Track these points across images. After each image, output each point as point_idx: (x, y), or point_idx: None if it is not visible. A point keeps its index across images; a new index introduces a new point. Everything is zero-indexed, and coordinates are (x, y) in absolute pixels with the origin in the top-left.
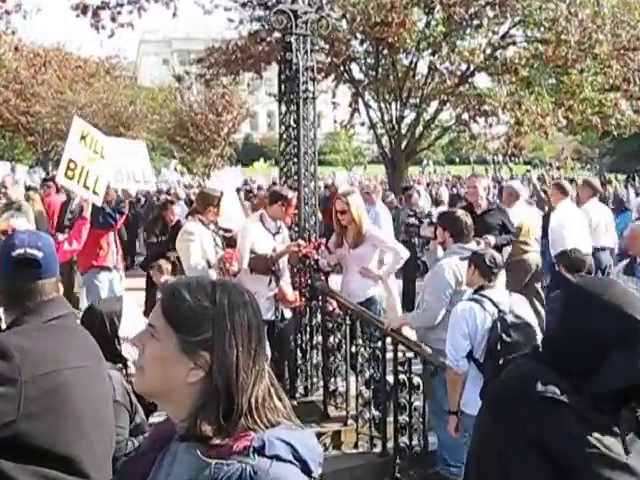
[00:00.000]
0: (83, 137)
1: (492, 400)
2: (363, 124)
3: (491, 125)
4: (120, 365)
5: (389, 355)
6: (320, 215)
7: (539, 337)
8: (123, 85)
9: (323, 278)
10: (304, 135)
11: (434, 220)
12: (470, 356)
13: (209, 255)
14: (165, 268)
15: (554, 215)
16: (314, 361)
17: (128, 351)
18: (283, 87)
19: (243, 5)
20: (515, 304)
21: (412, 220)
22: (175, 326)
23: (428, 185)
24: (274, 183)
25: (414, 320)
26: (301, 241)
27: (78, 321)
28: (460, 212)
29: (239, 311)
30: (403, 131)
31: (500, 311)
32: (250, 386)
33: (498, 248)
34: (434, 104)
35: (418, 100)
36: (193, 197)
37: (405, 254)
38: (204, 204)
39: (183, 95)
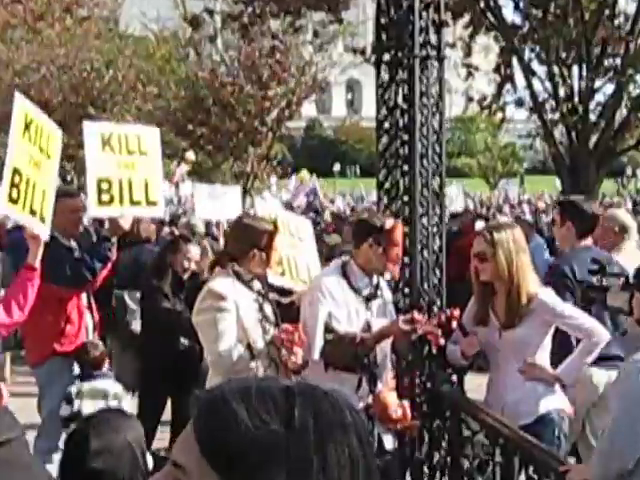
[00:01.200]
0: (27, 126)
1: None
2: (521, 104)
3: None
4: None
5: None
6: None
7: None
8: (94, 33)
9: (454, 379)
10: (422, 123)
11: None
12: None
13: (252, 335)
14: (95, 349)
15: None
16: None
17: None
18: (384, 38)
19: None
20: None
21: (594, 279)
22: (220, 467)
23: (635, 211)
24: (352, 209)
25: (595, 463)
26: (416, 313)
27: None
28: None
29: (335, 441)
30: (592, 117)
31: None
32: None
33: None
34: None
35: (619, 62)
36: (217, 232)
37: (604, 337)
38: (244, 245)
39: (201, 52)
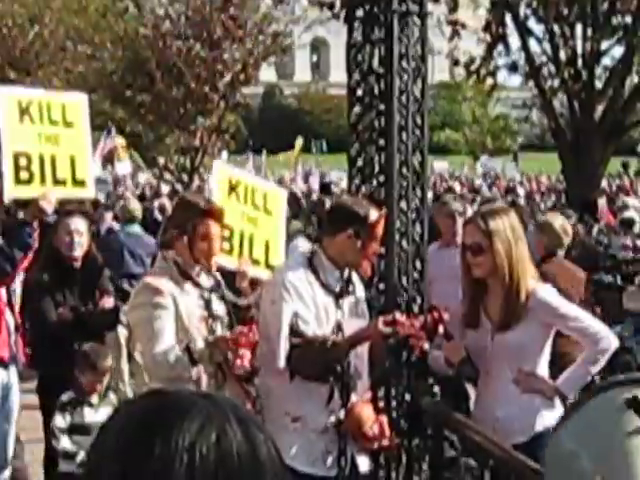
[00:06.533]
0: (24, 111)
1: None
2: (515, 68)
3: None
4: None
5: None
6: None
7: None
8: None
9: (437, 390)
10: (401, 91)
11: None
12: None
13: (194, 337)
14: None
15: None
16: None
17: None
18: None
19: None
20: None
21: (608, 277)
22: None
23: None
24: (326, 186)
25: None
26: (398, 314)
27: None
28: None
29: None
30: (598, 84)
31: None
32: None
33: None
34: None
35: (630, 20)
36: (159, 215)
37: (612, 345)
38: (182, 229)
39: (142, 5)
